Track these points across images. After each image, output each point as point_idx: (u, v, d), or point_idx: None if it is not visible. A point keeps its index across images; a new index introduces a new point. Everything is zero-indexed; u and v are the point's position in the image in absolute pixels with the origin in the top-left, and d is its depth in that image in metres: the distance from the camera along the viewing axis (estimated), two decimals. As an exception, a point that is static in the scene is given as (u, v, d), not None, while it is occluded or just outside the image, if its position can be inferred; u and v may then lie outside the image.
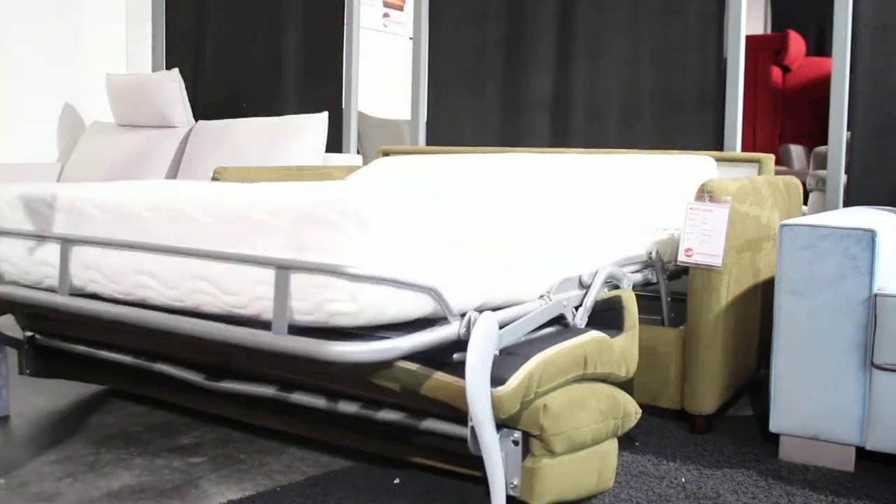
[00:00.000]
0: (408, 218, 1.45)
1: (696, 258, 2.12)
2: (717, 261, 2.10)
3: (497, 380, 1.51)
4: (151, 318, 1.61)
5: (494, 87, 3.56)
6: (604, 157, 2.79)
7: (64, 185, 1.93)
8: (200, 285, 1.55)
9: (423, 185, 2.83)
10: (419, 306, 1.46)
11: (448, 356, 1.56)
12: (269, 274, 1.47)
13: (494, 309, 1.60)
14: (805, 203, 2.89)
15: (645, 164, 2.67)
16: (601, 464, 1.71)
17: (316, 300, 1.40)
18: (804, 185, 2.82)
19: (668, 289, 2.30)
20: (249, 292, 1.49)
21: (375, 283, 1.37)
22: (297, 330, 1.46)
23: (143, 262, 1.64)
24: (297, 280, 1.42)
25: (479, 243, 1.57)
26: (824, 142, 2.94)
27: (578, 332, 1.75)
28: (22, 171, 4.04)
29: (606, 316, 1.88)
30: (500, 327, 1.55)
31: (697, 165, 2.65)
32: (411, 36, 3.76)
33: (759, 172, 2.76)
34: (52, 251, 1.80)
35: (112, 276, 1.69)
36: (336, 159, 3.74)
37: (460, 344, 1.51)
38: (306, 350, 1.40)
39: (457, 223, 1.54)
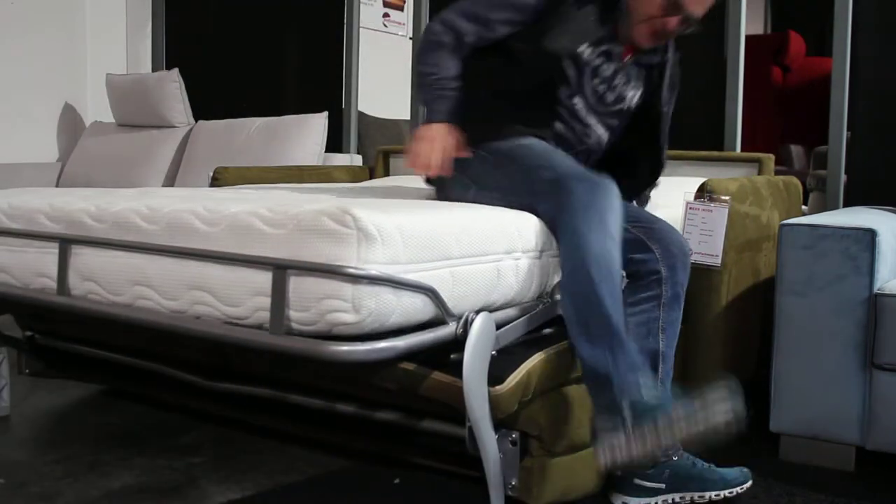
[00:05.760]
0: (409, 228, 1.44)
1: (695, 258, 2.11)
2: (716, 261, 2.10)
3: (495, 379, 1.51)
4: (151, 318, 1.61)
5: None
6: None
7: (60, 193, 1.92)
8: (200, 296, 1.54)
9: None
10: (417, 312, 1.46)
11: (446, 356, 1.55)
12: (270, 284, 1.44)
13: (493, 310, 1.59)
14: (805, 203, 2.89)
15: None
16: (600, 464, 1.71)
17: (318, 310, 1.39)
18: (804, 185, 2.81)
19: (668, 289, 2.30)
20: (249, 303, 1.48)
21: (374, 283, 1.37)
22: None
23: (142, 272, 1.63)
24: (298, 290, 1.40)
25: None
26: (824, 142, 2.93)
27: (578, 332, 1.74)
28: (22, 171, 4.03)
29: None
30: (499, 327, 1.55)
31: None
32: (411, 36, 3.76)
33: (759, 172, 2.75)
34: (50, 262, 1.79)
35: (111, 287, 1.68)
36: (336, 159, 3.73)
37: (459, 344, 1.51)
38: (304, 350, 1.40)
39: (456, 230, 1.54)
